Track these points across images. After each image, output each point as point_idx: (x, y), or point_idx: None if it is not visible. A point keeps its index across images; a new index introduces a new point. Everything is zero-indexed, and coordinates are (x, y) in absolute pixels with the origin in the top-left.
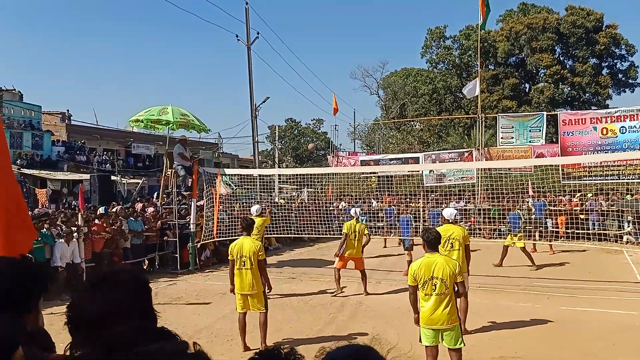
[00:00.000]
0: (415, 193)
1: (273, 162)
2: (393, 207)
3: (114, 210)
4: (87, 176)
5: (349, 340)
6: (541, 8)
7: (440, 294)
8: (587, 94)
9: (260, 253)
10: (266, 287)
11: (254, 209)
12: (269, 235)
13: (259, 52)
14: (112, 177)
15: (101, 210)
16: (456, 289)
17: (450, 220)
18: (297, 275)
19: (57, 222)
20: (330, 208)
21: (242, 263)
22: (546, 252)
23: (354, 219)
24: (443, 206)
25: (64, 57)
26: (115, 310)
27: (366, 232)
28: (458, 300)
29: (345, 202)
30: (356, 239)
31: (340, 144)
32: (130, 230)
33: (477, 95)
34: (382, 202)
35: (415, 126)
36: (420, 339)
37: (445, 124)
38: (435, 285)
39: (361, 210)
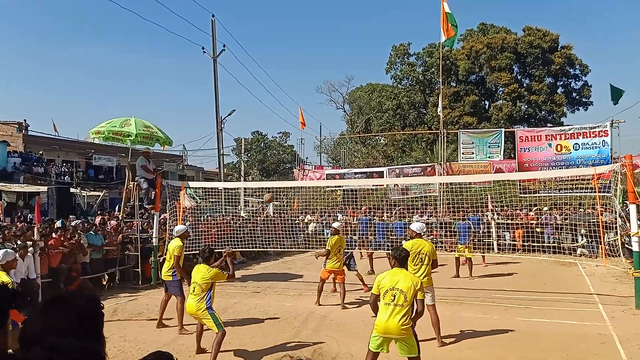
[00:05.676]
0: (379, 206)
1: (239, 175)
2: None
3: (73, 223)
4: (44, 188)
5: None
6: (500, 28)
7: (397, 304)
8: (543, 112)
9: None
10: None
11: None
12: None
13: (225, 64)
14: (71, 190)
15: (58, 223)
16: (415, 307)
17: (421, 235)
18: (261, 290)
19: (11, 236)
20: (296, 222)
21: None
22: (479, 264)
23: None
24: (407, 219)
25: (21, 64)
26: (65, 333)
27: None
28: (415, 314)
29: (310, 216)
30: (339, 252)
31: (307, 157)
32: (90, 244)
33: (439, 111)
34: (348, 216)
35: (380, 141)
36: (369, 344)
37: (409, 138)
38: (394, 295)
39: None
